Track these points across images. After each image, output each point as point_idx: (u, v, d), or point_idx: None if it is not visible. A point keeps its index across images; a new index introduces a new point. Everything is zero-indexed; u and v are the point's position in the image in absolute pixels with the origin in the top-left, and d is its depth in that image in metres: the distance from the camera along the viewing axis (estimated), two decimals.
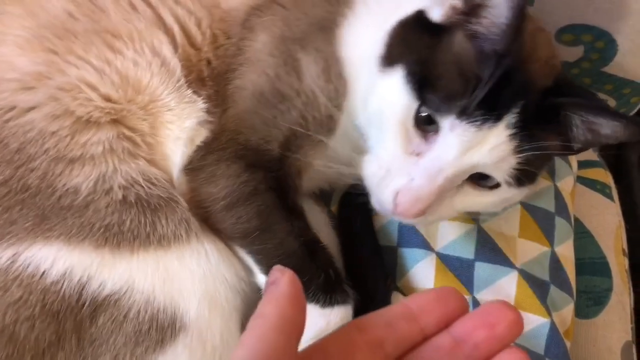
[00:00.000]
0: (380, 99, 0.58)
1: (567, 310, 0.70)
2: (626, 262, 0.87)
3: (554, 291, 0.69)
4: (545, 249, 0.70)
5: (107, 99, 0.61)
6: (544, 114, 0.56)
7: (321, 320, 0.58)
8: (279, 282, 0.40)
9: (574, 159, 0.82)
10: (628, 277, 0.85)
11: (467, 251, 0.68)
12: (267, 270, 0.60)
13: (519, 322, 0.40)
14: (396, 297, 0.68)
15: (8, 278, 0.53)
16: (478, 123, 0.53)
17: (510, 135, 0.54)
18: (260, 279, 0.61)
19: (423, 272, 0.68)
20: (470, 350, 0.40)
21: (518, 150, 0.55)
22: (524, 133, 0.55)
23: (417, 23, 0.59)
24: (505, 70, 0.53)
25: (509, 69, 0.53)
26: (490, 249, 0.68)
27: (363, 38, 0.62)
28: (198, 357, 0.56)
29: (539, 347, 0.66)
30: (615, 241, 0.87)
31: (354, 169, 0.61)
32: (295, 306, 0.39)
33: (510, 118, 0.54)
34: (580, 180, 0.89)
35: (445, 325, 0.42)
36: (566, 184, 0.77)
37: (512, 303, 0.67)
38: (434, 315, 0.42)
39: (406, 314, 0.42)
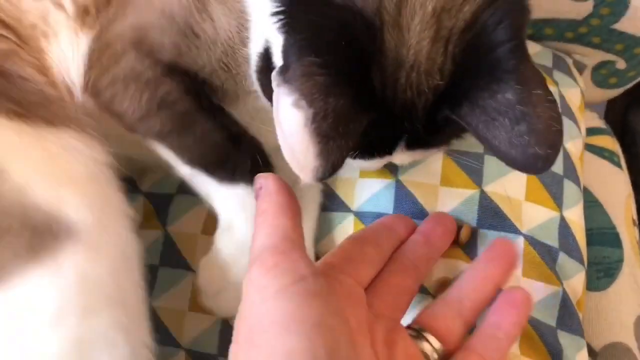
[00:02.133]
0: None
1: (578, 280, 0.65)
2: (637, 232, 0.82)
3: (563, 259, 0.64)
4: (554, 213, 0.65)
5: None
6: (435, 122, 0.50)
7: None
8: (266, 184, 0.49)
9: (582, 124, 0.77)
10: (639, 248, 0.81)
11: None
12: (189, 162, 0.58)
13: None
14: None
15: None
16: (371, 160, 0.53)
17: (408, 149, 0.52)
18: (183, 170, 0.58)
19: None
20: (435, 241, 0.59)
21: (425, 148, 0.53)
22: (420, 146, 0.52)
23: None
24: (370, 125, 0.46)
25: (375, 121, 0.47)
26: (493, 215, 0.63)
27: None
28: (89, 282, 0.46)
29: (551, 318, 0.61)
30: (626, 211, 0.82)
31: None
32: (286, 195, 0.48)
33: (400, 148, 0.51)
34: (588, 147, 0.84)
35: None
36: (575, 146, 0.72)
37: (519, 272, 0.62)
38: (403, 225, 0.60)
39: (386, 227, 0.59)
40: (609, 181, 0.83)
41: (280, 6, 0.47)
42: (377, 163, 0.54)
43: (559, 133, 0.43)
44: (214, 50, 0.57)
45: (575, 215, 0.67)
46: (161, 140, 0.58)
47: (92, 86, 0.58)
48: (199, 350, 0.64)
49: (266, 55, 0.51)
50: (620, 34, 0.78)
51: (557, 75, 0.78)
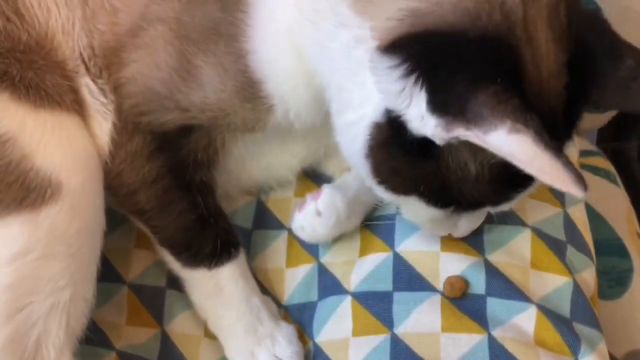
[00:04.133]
0: None
1: (588, 274, 0.64)
2: None
3: (572, 252, 0.64)
4: (558, 209, 0.66)
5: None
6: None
7: (211, 280, 0.63)
8: None
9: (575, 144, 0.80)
10: None
11: None
12: (162, 242, 0.64)
13: None
14: None
15: None
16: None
17: None
18: (158, 249, 0.65)
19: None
20: None
21: None
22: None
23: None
24: None
25: None
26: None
27: None
28: (57, 233, 0.54)
29: (564, 310, 0.60)
30: (628, 223, 0.82)
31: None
32: None
33: None
34: (583, 167, 0.86)
35: None
36: (571, 152, 0.74)
37: (528, 264, 0.62)
38: None
39: None
40: (609, 196, 0.84)
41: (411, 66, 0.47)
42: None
43: None
44: (203, 116, 0.60)
45: (578, 211, 0.67)
46: (141, 218, 0.64)
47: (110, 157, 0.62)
48: None
49: (389, 126, 0.50)
50: None
51: None
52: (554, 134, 0.45)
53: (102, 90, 0.62)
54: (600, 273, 0.74)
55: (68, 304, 0.56)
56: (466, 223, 0.59)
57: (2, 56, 0.57)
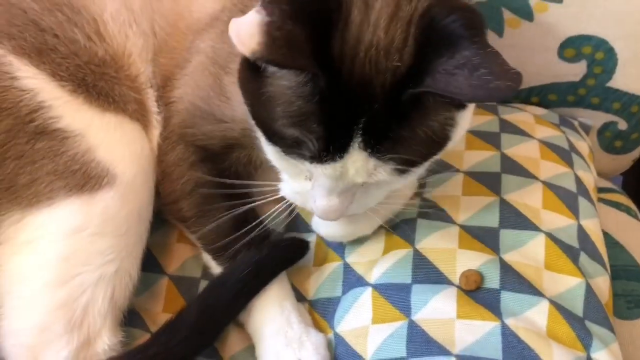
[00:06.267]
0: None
1: (602, 281, 0.67)
2: None
3: (585, 259, 0.67)
4: (571, 221, 0.69)
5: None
6: (400, 106, 0.52)
7: None
8: None
9: (592, 167, 0.84)
10: None
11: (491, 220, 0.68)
12: (204, 247, 0.71)
13: None
14: None
15: None
16: (329, 161, 0.53)
17: (368, 154, 0.53)
18: (204, 255, 0.71)
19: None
20: None
21: (383, 159, 0.53)
22: (383, 143, 0.52)
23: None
24: (325, 92, 0.50)
25: (330, 89, 0.50)
26: (514, 215, 0.68)
27: None
28: (109, 215, 0.63)
29: (576, 309, 0.62)
30: None
31: None
32: None
33: (357, 141, 0.52)
34: (604, 202, 0.89)
35: None
36: (586, 176, 0.78)
37: (542, 265, 0.65)
38: None
39: None
40: (628, 228, 0.86)
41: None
42: (330, 170, 0.54)
43: (518, 74, 0.47)
44: (235, 127, 0.69)
45: (592, 225, 0.71)
46: (184, 224, 0.72)
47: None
48: None
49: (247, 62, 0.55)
50: (615, 92, 0.87)
51: (564, 128, 0.86)
52: (353, 103, 0.50)
53: (157, 103, 0.72)
54: (619, 295, 0.76)
55: (114, 277, 0.63)
56: (321, 193, 0.58)
57: (81, 67, 0.67)
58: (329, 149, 0.52)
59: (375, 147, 0.52)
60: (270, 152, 0.59)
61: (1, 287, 0.62)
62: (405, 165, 0.54)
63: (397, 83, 0.51)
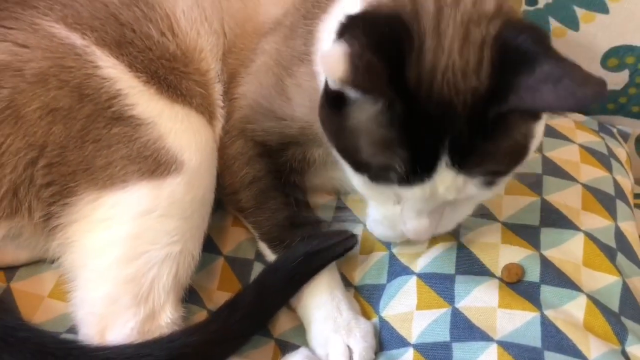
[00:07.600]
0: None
1: (638, 281, 0.70)
2: None
3: (622, 259, 0.70)
4: (609, 222, 0.73)
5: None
6: (485, 123, 0.54)
7: None
8: None
9: (630, 172, 0.86)
10: None
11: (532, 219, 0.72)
12: (260, 237, 0.76)
13: None
14: None
15: (73, 50, 0.67)
16: (417, 183, 0.56)
17: (456, 171, 0.55)
18: (259, 243, 0.76)
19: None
20: None
21: (471, 173, 0.55)
22: (470, 159, 0.54)
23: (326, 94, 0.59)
24: (404, 117, 0.53)
25: (408, 114, 0.53)
26: (555, 215, 0.72)
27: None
28: (175, 199, 0.68)
29: (613, 305, 0.66)
30: None
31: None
32: None
33: (445, 160, 0.54)
34: (638, 207, 0.92)
35: None
36: (623, 180, 0.81)
37: (580, 262, 0.68)
38: None
39: None
40: None
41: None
42: (419, 191, 0.56)
43: (602, 80, 0.49)
44: (294, 125, 0.74)
45: (629, 227, 0.74)
46: (242, 214, 0.77)
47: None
48: None
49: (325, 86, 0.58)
50: None
51: (603, 135, 0.89)
52: (436, 125, 0.52)
53: (223, 97, 0.78)
54: None
55: (178, 256, 0.68)
56: (411, 215, 0.60)
57: (153, 61, 0.72)
58: (416, 171, 0.55)
59: (463, 163, 0.54)
60: (358, 181, 0.61)
61: (76, 260, 0.67)
62: (492, 176, 0.57)
63: (478, 102, 0.53)
